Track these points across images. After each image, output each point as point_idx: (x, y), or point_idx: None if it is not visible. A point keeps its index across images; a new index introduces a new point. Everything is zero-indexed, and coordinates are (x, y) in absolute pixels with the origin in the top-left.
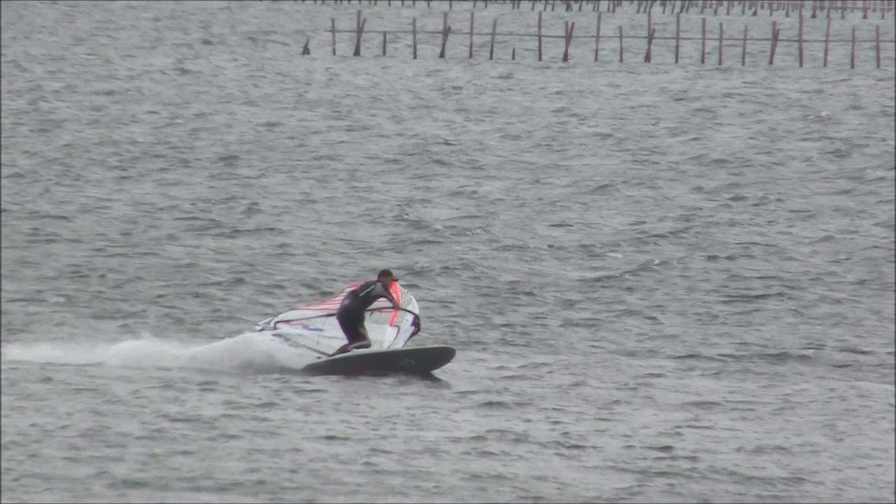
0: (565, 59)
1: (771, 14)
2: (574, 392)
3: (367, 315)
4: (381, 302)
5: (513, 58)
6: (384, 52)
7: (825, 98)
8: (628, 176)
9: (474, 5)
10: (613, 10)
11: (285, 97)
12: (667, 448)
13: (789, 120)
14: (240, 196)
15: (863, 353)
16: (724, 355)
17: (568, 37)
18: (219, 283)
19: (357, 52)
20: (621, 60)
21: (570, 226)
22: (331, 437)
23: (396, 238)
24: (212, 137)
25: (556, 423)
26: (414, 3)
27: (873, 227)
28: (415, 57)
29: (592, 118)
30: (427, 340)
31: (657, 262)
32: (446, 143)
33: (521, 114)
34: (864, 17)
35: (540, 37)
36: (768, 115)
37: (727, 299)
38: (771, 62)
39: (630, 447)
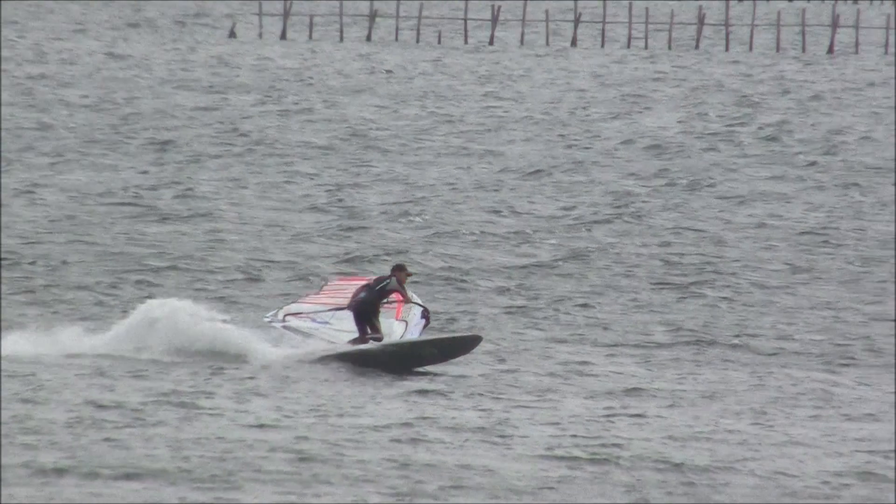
0: (491, 42)
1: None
2: (504, 379)
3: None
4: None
5: (439, 42)
6: (311, 36)
7: (754, 83)
8: (560, 161)
9: None
10: None
11: (216, 81)
12: (596, 436)
13: (719, 105)
14: (172, 181)
15: (793, 340)
16: (656, 342)
17: (494, 20)
18: (153, 270)
19: (284, 36)
20: (547, 44)
21: (502, 212)
22: (260, 426)
23: (330, 224)
24: (143, 123)
25: (485, 410)
26: None
27: (805, 213)
28: (341, 40)
29: (522, 102)
30: None
31: (589, 248)
32: (379, 127)
33: (451, 98)
34: (790, 0)
35: (466, 20)
36: (697, 99)
37: (659, 286)
38: (697, 47)
39: (560, 435)
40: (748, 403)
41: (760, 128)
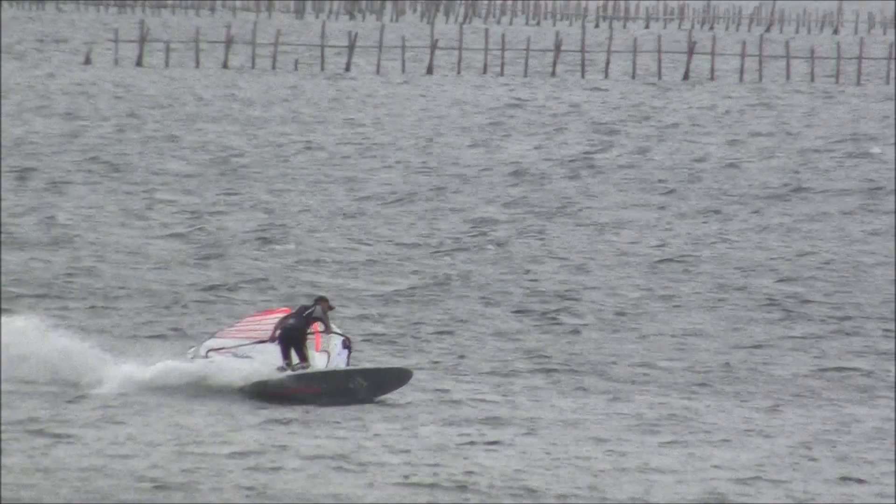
0: (348, 69)
1: (554, 25)
2: (362, 407)
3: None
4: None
5: (295, 68)
6: (167, 63)
7: (612, 109)
8: (420, 188)
9: (258, 15)
10: (397, 20)
11: (76, 107)
12: (453, 463)
13: (578, 132)
14: (35, 208)
15: (652, 367)
16: (515, 370)
17: (351, 47)
18: (11, 297)
19: (140, 62)
20: (403, 71)
21: (363, 239)
22: (116, 454)
23: (191, 251)
24: (4, 149)
25: (342, 438)
26: (197, 12)
27: (665, 240)
28: (197, 66)
29: (382, 129)
30: None
31: (449, 275)
32: (239, 154)
33: (311, 124)
34: (647, 27)
35: (323, 47)
36: (557, 125)
37: (519, 313)
38: (554, 73)
39: (417, 463)
40: (606, 430)
41: (620, 155)
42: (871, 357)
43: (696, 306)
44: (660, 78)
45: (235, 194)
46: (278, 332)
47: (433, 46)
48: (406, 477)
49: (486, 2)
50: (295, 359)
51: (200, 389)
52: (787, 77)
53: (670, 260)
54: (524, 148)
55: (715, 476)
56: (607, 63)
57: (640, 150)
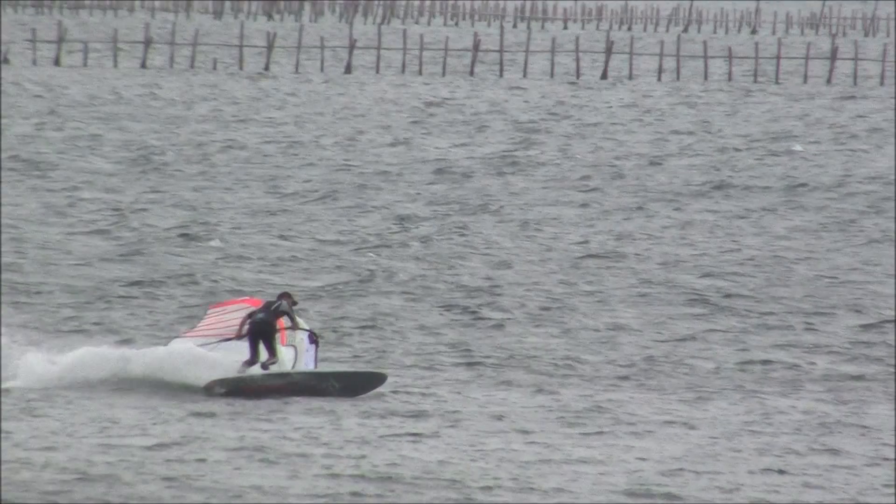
0: (267, 68)
1: (472, 25)
2: (285, 400)
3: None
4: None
5: (214, 68)
6: (86, 63)
7: (530, 107)
8: (343, 185)
9: (176, 16)
10: (315, 20)
11: None
12: (377, 456)
13: (499, 131)
14: None
15: (577, 361)
16: (439, 364)
17: (270, 47)
18: None
19: (58, 62)
20: (322, 70)
21: (287, 236)
22: (40, 447)
23: (115, 248)
24: None
25: (265, 430)
26: (116, 13)
27: (589, 235)
28: (115, 66)
29: (302, 127)
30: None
31: (373, 271)
32: (162, 152)
33: (232, 122)
34: (565, 27)
35: (242, 47)
36: (478, 123)
37: (443, 308)
38: (472, 73)
39: (339, 455)
40: (530, 423)
41: (542, 152)
42: (793, 350)
43: (619, 301)
44: (578, 77)
45: (158, 192)
46: (247, 326)
47: (352, 46)
48: (330, 469)
49: (404, 2)
50: (263, 354)
51: (124, 382)
52: (706, 77)
53: (593, 255)
54: (446, 146)
55: (639, 468)
56: (526, 63)
57: (561, 148)
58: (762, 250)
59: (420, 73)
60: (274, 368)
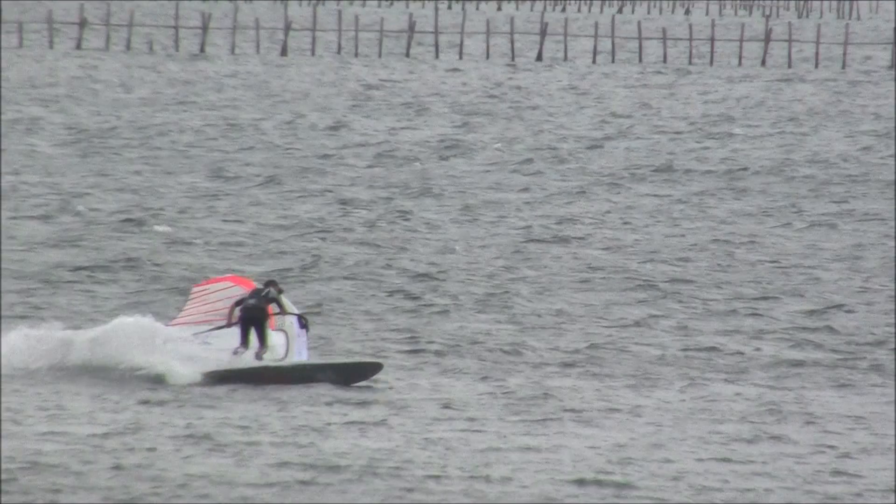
0: (202, 50)
1: (407, 6)
2: (233, 388)
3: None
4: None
5: (150, 49)
6: (21, 44)
7: (469, 90)
8: (286, 170)
9: None
10: (251, 1)
11: None
12: (319, 443)
13: (438, 115)
14: None
15: (524, 347)
16: (383, 350)
17: (205, 28)
18: None
19: None
20: (258, 52)
21: (232, 219)
22: None
23: (60, 232)
24: None
25: (214, 419)
26: None
27: (534, 219)
28: (51, 47)
29: (242, 110)
30: None
31: (319, 257)
32: (105, 135)
33: (172, 105)
34: (499, 9)
35: (177, 28)
36: (418, 106)
37: (389, 294)
38: (408, 54)
39: (286, 443)
40: (476, 410)
41: (483, 136)
42: (738, 336)
43: (563, 286)
44: (514, 59)
45: (102, 175)
46: (238, 312)
47: (287, 27)
48: (278, 457)
49: None
50: (253, 341)
51: (72, 370)
52: (640, 58)
53: (537, 240)
54: (386, 129)
55: (585, 455)
56: (461, 44)
57: (502, 131)
58: (705, 235)
59: (356, 54)
60: (266, 356)
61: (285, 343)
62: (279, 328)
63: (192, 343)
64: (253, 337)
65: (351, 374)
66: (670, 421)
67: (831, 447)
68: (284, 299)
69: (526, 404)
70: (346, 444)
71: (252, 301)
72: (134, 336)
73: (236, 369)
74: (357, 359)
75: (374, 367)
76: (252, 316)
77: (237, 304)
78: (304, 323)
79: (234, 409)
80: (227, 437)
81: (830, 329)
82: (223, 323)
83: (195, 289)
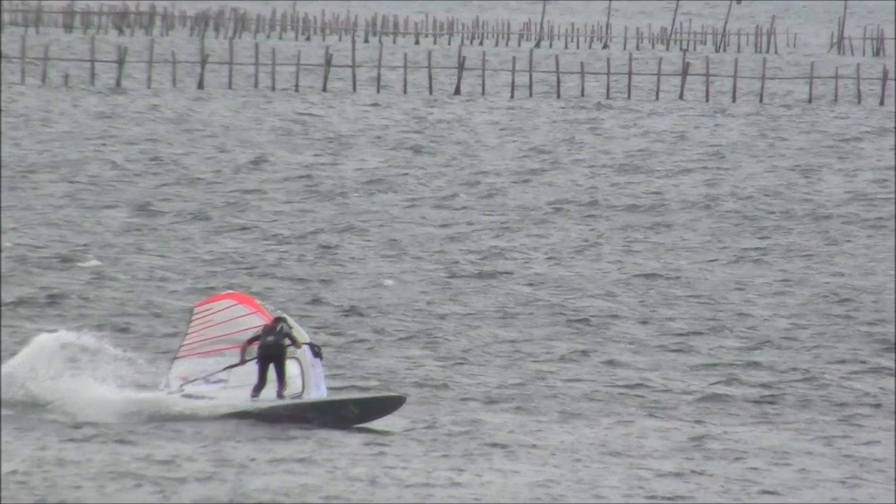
0: (118, 84)
1: (324, 39)
2: (156, 424)
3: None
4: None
5: (66, 83)
6: None
7: (391, 123)
8: (211, 204)
9: (26, 30)
10: (167, 34)
11: None
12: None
13: (360, 149)
14: None
15: (447, 381)
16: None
17: (121, 62)
18: None
19: None
20: (175, 85)
21: (166, 254)
22: None
23: None
24: None
25: (135, 456)
26: None
27: (462, 255)
28: None
29: (167, 144)
30: None
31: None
32: (29, 170)
33: (94, 139)
34: (417, 42)
35: (93, 61)
36: (342, 140)
37: (316, 328)
38: (325, 88)
39: (209, 480)
40: (395, 446)
41: (408, 170)
42: (665, 372)
43: (489, 321)
44: (431, 93)
45: (26, 210)
46: (257, 351)
47: (204, 61)
48: (202, 494)
49: (255, 16)
50: (272, 378)
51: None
52: (558, 94)
53: (463, 275)
54: (310, 163)
55: (510, 490)
56: (378, 78)
57: (426, 166)
58: (630, 270)
59: (273, 87)
60: (287, 392)
61: (300, 373)
62: (291, 356)
63: (206, 384)
64: (271, 374)
65: (374, 409)
66: (597, 456)
67: (755, 482)
68: (293, 323)
69: (452, 439)
70: (271, 480)
71: (270, 339)
72: (52, 360)
73: (259, 409)
74: (375, 393)
75: (398, 401)
76: (271, 353)
77: (250, 341)
78: (317, 351)
79: (156, 444)
80: (150, 472)
81: (757, 364)
82: (234, 358)
83: (197, 309)
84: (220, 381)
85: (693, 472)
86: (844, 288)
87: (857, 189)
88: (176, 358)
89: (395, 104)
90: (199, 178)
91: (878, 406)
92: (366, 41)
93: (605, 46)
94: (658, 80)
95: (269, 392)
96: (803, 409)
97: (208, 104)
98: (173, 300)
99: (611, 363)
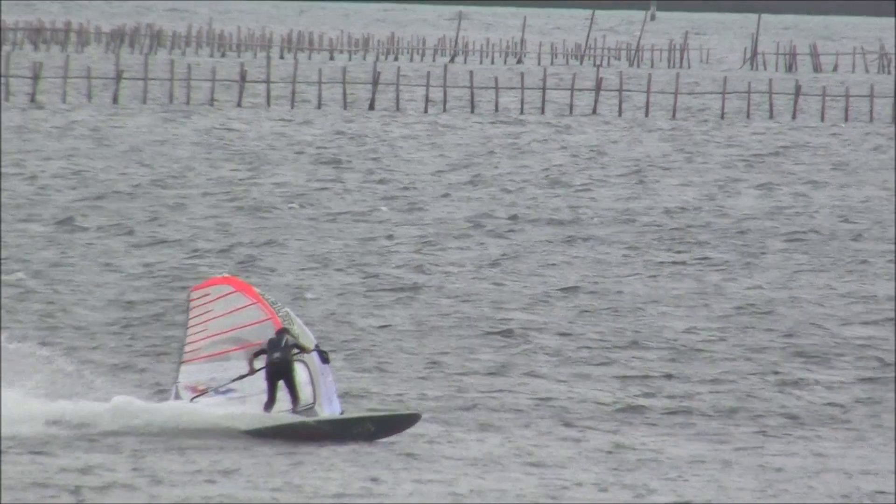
0: (33, 99)
1: (239, 55)
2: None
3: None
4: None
5: None
6: None
7: (312, 139)
8: (135, 218)
9: None
10: (82, 50)
11: None
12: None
13: (278, 164)
14: None
15: (381, 395)
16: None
17: (36, 77)
18: None
19: None
20: (90, 101)
21: (91, 269)
22: None
23: None
24: None
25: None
26: None
27: (389, 269)
28: None
29: (89, 159)
30: None
31: (172, 306)
32: None
33: (16, 154)
34: (331, 58)
35: (7, 77)
36: (263, 155)
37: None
38: (240, 103)
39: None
40: (328, 459)
41: (328, 184)
42: (586, 383)
43: (413, 335)
44: (346, 108)
45: None
46: (265, 369)
47: (119, 76)
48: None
49: (170, 33)
50: (284, 395)
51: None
52: (472, 109)
53: (386, 289)
54: (229, 178)
55: (421, 499)
56: (293, 94)
57: (346, 180)
58: (552, 284)
59: (188, 102)
60: (300, 404)
61: (309, 380)
62: (299, 360)
63: (216, 395)
64: (282, 391)
65: (390, 427)
66: (515, 467)
67: (672, 492)
68: (299, 322)
69: (370, 450)
70: (191, 491)
71: (276, 356)
72: None
73: (274, 426)
74: (391, 411)
75: (413, 418)
76: (278, 370)
77: (256, 354)
78: (325, 357)
79: (76, 455)
80: (68, 481)
81: (674, 376)
82: (241, 362)
83: (194, 293)
84: (229, 390)
85: (611, 482)
86: (761, 300)
87: (774, 203)
88: (182, 362)
89: (311, 119)
90: (117, 193)
91: (793, 417)
92: (281, 57)
93: (520, 62)
94: (572, 95)
95: (281, 404)
96: (720, 420)
97: (124, 119)
98: (97, 314)
99: (530, 374)
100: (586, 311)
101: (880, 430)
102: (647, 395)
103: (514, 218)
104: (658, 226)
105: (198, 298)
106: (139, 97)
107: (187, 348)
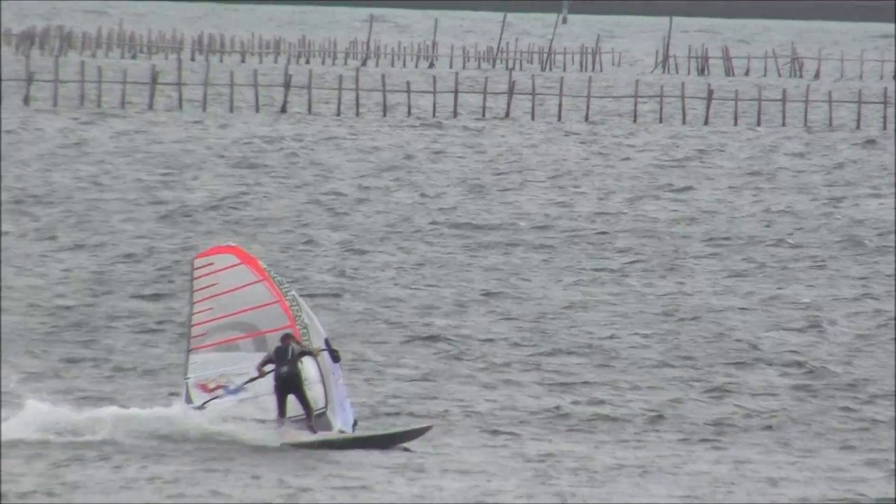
0: None
1: (150, 58)
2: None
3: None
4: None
5: None
6: None
7: (229, 144)
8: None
9: None
10: None
11: None
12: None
13: (197, 169)
14: None
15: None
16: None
17: None
18: None
19: None
20: (27, 104)
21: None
22: None
23: None
24: None
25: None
26: None
27: (314, 273)
28: None
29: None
30: None
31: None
32: None
33: None
34: (243, 60)
35: None
36: (180, 160)
37: (174, 345)
38: (151, 106)
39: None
40: (263, 466)
41: (247, 189)
42: (515, 390)
43: (341, 342)
44: (258, 111)
45: None
46: (273, 381)
47: (29, 79)
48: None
49: (80, 35)
50: (296, 409)
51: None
52: (384, 112)
53: (311, 294)
54: (150, 183)
55: None
56: (205, 97)
57: (264, 185)
58: (478, 288)
59: (99, 104)
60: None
61: (319, 379)
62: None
63: (227, 395)
64: (293, 404)
65: (403, 440)
66: (438, 475)
67: (597, 498)
68: (305, 307)
69: (313, 461)
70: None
71: (284, 370)
72: None
73: (299, 443)
74: (405, 427)
75: (426, 429)
76: (287, 384)
77: (264, 363)
78: (336, 356)
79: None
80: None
81: (600, 383)
82: (248, 353)
83: (197, 261)
84: (240, 389)
85: (535, 489)
86: (685, 306)
87: (695, 208)
88: (190, 350)
89: (228, 123)
90: (36, 196)
91: (717, 423)
92: (192, 59)
93: (432, 65)
94: (485, 99)
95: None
96: (644, 426)
97: (36, 121)
98: (30, 318)
99: (457, 381)
100: (509, 317)
101: (804, 436)
102: (572, 402)
103: (436, 223)
104: (579, 231)
105: (202, 267)
106: (49, 99)
107: (194, 331)
